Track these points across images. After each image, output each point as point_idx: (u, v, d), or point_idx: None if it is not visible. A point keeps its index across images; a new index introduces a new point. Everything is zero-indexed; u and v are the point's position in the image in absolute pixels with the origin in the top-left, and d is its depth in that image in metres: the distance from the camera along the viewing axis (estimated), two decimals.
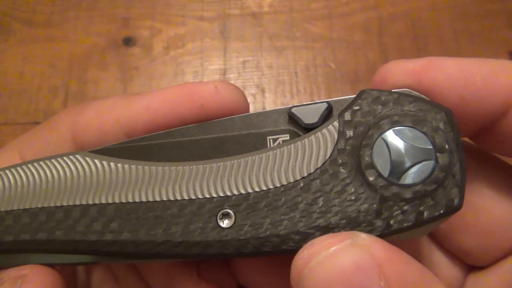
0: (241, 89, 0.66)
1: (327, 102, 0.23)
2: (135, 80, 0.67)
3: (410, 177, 0.20)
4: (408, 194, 0.20)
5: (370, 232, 0.20)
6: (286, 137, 0.23)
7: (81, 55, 0.70)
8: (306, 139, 0.22)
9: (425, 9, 0.72)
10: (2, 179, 0.24)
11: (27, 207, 0.23)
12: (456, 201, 0.20)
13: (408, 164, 0.20)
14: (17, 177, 0.24)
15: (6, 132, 0.65)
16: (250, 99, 0.66)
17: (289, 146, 0.22)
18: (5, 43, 0.71)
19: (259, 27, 0.71)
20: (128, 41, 0.71)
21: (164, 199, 0.22)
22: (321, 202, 0.21)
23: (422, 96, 0.22)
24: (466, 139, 0.27)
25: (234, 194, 0.22)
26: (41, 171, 0.24)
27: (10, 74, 0.69)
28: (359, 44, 0.70)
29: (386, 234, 0.20)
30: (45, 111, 0.66)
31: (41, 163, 0.24)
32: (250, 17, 0.72)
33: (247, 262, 0.29)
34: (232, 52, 0.69)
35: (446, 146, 0.20)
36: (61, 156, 0.24)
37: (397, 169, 0.20)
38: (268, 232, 0.21)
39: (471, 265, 0.30)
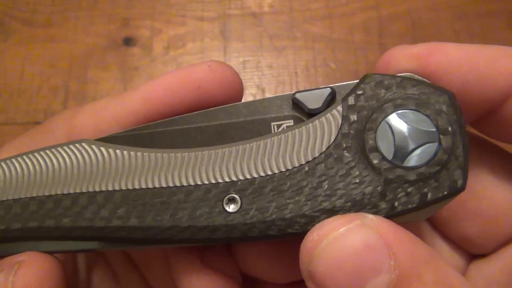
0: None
1: (330, 87, 0.23)
2: (135, 80, 0.68)
3: (413, 159, 0.21)
4: (412, 176, 0.20)
5: (374, 214, 0.21)
6: (290, 122, 0.24)
7: (81, 55, 0.70)
8: (310, 124, 0.22)
9: (425, 9, 0.72)
10: (9, 168, 0.24)
11: (34, 195, 0.24)
12: (459, 182, 0.20)
13: (411, 146, 0.21)
14: (24, 166, 0.24)
15: (6, 132, 0.65)
16: (250, 99, 0.67)
17: (293, 131, 0.22)
18: (5, 43, 0.71)
19: (259, 27, 0.72)
20: (128, 41, 0.71)
21: (171, 185, 0.23)
22: (326, 186, 0.21)
23: (425, 80, 0.23)
24: (468, 128, 0.28)
25: (240, 179, 0.22)
26: (47, 160, 0.24)
27: (10, 74, 0.69)
28: (359, 44, 0.70)
29: (390, 216, 0.21)
30: (45, 111, 0.66)
31: (47, 151, 0.24)
32: (250, 17, 0.72)
33: (249, 250, 0.30)
34: (232, 52, 0.69)
35: (449, 129, 0.21)
36: (67, 144, 0.24)
37: (401, 152, 0.21)
38: (274, 215, 0.21)
39: (473, 254, 0.31)
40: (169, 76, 0.27)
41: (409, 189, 0.20)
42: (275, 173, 0.22)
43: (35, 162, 0.24)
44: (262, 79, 0.68)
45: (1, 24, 0.72)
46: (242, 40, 0.71)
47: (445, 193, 0.20)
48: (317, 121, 0.22)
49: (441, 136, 0.21)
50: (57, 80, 0.69)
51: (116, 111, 0.28)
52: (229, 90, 0.26)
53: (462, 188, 0.21)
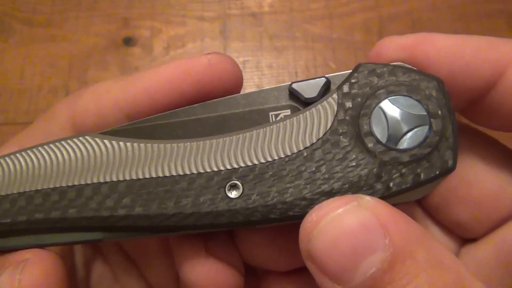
0: (242, 89, 0.67)
1: (325, 77, 0.25)
2: None
3: (406, 142, 0.22)
4: (405, 158, 0.22)
5: (371, 195, 0.22)
6: (288, 112, 0.25)
7: (81, 55, 0.71)
8: (307, 112, 0.23)
9: (425, 9, 0.74)
10: (13, 162, 0.25)
11: (39, 188, 0.25)
12: (450, 162, 0.22)
13: (404, 130, 0.22)
14: (28, 160, 0.25)
15: (6, 132, 0.66)
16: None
17: (291, 119, 0.23)
18: (5, 43, 0.72)
19: (259, 27, 0.73)
20: (128, 41, 0.72)
21: (174, 174, 0.24)
22: (324, 170, 0.22)
23: (414, 68, 0.24)
24: (457, 115, 0.29)
25: (241, 166, 0.23)
26: (51, 153, 0.25)
27: (10, 74, 0.70)
28: (359, 44, 0.71)
29: (386, 197, 0.22)
30: (45, 111, 0.67)
31: (51, 145, 0.25)
32: (250, 17, 0.73)
33: (251, 238, 0.31)
34: (232, 52, 0.70)
35: (439, 112, 0.22)
36: (71, 138, 0.25)
37: (394, 135, 0.22)
38: (275, 199, 0.23)
39: (464, 238, 0.32)
40: (172, 68, 0.28)
41: (403, 170, 0.22)
42: (274, 160, 0.23)
43: (39, 156, 0.25)
44: (262, 79, 0.69)
45: (1, 24, 0.73)
46: (242, 40, 0.72)
47: (437, 172, 0.22)
48: (313, 109, 0.23)
49: (431, 119, 0.22)
50: (57, 80, 0.70)
51: (118, 97, 0.29)
52: (229, 82, 0.27)
53: (452, 168, 0.22)
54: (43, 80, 0.70)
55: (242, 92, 0.28)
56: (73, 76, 0.70)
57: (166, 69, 0.28)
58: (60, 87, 0.69)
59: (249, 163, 0.23)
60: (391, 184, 0.22)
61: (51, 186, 0.25)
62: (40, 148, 0.25)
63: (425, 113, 0.22)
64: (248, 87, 0.68)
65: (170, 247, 0.35)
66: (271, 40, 0.72)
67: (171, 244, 0.29)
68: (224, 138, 0.24)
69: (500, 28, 0.73)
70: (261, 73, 0.69)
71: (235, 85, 0.28)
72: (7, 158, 0.25)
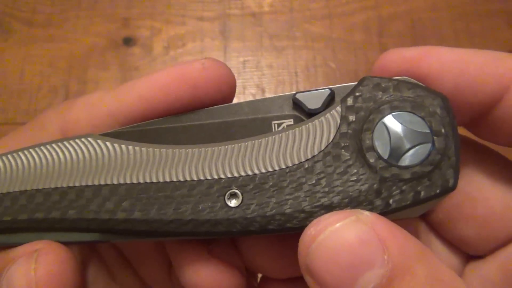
0: (242, 89, 0.67)
1: (329, 88, 0.25)
2: None
3: (408, 159, 0.22)
4: (406, 175, 0.22)
5: (370, 210, 0.22)
6: (290, 122, 0.25)
7: (81, 55, 0.72)
8: (310, 124, 0.23)
9: (425, 9, 0.74)
10: (16, 161, 0.25)
11: (40, 187, 0.25)
12: (451, 181, 0.22)
13: (406, 146, 0.22)
14: (30, 159, 0.25)
15: (6, 132, 0.65)
16: (250, 99, 0.68)
17: (293, 130, 0.23)
18: (5, 43, 0.72)
19: (259, 27, 0.73)
20: (128, 41, 0.72)
21: (174, 180, 0.24)
22: (324, 183, 0.22)
23: (420, 83, 0.24)
24: (463, 130, 0.29)
25: (241, 175, 0.23)
26: (53, 153, 0.25)
27: (10, 74, 0.71)
28: (359, 44, 0.71)
29: (385, 213, 0.22)
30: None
31: (53, 145, 0.25)
32: (250, 17, 0.73)
33: (252, 245, 0.31)
34: (232, 52, 0.70)
35: (442, 130, 0.22)
36: (73, 138, 0.25)
37: (396, 152, 0.22)
38: (274, 210, 0.23)
39: (469, 255, 0.32)
40: (165, 74, 0.28)
41: (403, 187, 0.22)
42: (275, 170, 0.23)
43: (41, 155, 0.25)
44: (262, 79, 0.69)
45: (1, 24, 0.73)
46: (242, 40, 0.72)
47: (437, 191, 0.22)
48: (316, 121, 0.23)
49: (434, 137, 0.22)
50: (57, 80, 0.70)
51: (111, 106, 0.28)
52: (223, 87, 0.27)
53: (453, 187, 0.22)
54: (43, 80, 0.70)
55: (242, 92, 0.28)
56: (73, 76, 0.70)
57: (160, 75, 0.28)
58: (60, 87, 0.70)
59: (250, 173, 0.23)
60: (390, 201, 0.22)
61: (52, 186, 0.25)
62: (42, 147, 0.26)
63: (428, 131, 0.22)
64: (248, 87, 0.68)
65: (165, 246, 0.35)
66: (271, 40, 0.72)
67: (170, 248, 0.29)
68: (226, 146, 0.24)
69: (500, 28, 0.73)
70: (261, 73, 0.69)
71: (229, 90, 0.28)
72: (9, 156, 0.26)
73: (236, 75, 0.66)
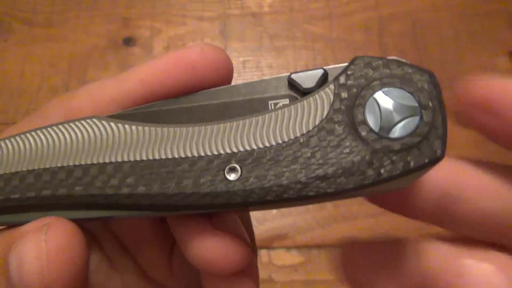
0: None
1: (323, 68, 0.26)
2: None
3: (398, 131, 0.23)
4: (396, 146, 0.23)
5: (362, 180, 0.24)
6: (286, 101, 0.27)
7: (81, 55, 0.73)
8: (304, 101, 0.25)
9: (425, 9, 0.75)
10: (23, 142, 0.27)
11: (47, 166, 0.26)
12: (438, 151, 0.23)
13: (396, 120, 0.24)
14: (38, 139, 0.27)
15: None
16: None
17: (289, 107, 0.25)
18: (5, 43, 0.74)
19: (259, 27, 0.75)
20: (128, 41, 0.74)
21: (176, 156, 0.25)
22: (319, 156, 0.24)
23: (408, 62, 0.26)
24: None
25: (240, 151, 0.25)
26: (60, 134, 0.26)
27: (10, 74, 0.72)
28: (359, 44, 0.73)
29: (377, 183, 0.24)
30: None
31: (60, 126, 0.27)
32: (250, 17, 0.75)
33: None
34: (232, 52, 0.72)
35: (430, 104, 0.24)
36: (79, 120, 0.27)
37: (387, 125, 0.24)
38: (271, 182, 0.24)
39: None
40: (165, 58, 0.29)
41: (393, 158, 0.23)
42: (272, 145, 0.25)
43: (48, 136, 0.26)
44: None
45: (1, 24, 0.75)
46: (242, 40, 0.74)
47: (426, 161, 0.23)
48: (311, 99, 0.25)
49: (422, 110, 0.24)
50: (57, 80, 0.71)
51: (114, 92, 0.30)
52: (220, 71, 0.29)
53: (441, 156, 0.23)
54: (43, 80, 0.72)
55: (232, 73, 0.30)
56: (73, 76, 0.72)
57: (161, 60, 0.29)
58: (60, 87, 0.71)
59: (248, 148, 0.25)
60: (382, 171, 0.23)
61: (59, 164, 0.26)
62: (49, 128, 0.27)
63: (417, 105, 0.24)
64: None
65: (168, 226, 0.37)
66: (271, 40, 0.74)
67: (174, 226, 0.31)
68: (225, 124, 0.25)
69: (500, 28, 0.75)
70: (261, 73, 0.71)
71: (227, 73, 0.29)
72: (17, 138, 0.27)
73: (236, 75, 0.68)
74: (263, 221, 0.65)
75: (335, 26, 0.74)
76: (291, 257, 0.64)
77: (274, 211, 0.65)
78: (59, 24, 0.75)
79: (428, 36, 0.74)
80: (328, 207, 0.66)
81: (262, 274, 0.63)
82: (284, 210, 0.66)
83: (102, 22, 0.75)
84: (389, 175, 0.24)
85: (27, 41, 0.74)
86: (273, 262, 0.64)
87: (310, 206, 0.66)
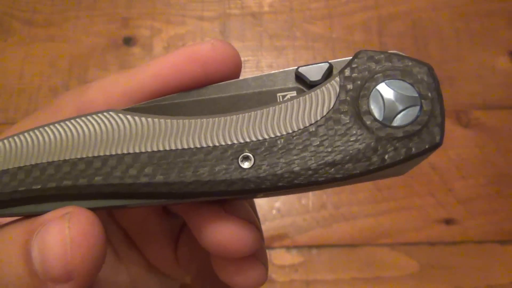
0: None
1: (328, 62, 0.29)
2: None
3: (400, 120, 0.26)
4: (399, 134, 0.26)
5: (367, 166, 0.27)
6: (294, 93, 0.29)
7: (81, 55, 0.75)
8: (312, 93, 0.28)
9: (425, 9, 0.78)
10: (42, 135, 0.28)
11: (67, 158, 0.28)
12: (437, 138, 0.26)
13: (398, 109, 0.27)
14: (56, 132, 0.28)
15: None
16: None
17: (297, 99, 0.28)
18: (5, 43, 0.76)
19: (259, 27, 0.77)
20: (128, 41, 0.76)
21: (192, 146, 0.28)
22: (327, 144, 0.27)
23: (408, 56, 0.29)
24: None
25: (252, 140, 0.27)
26: (78, 127, 0.28)
27: (10, 74, 0.74)
28: (359, 44, 0.76)
29: (381, 168, 0.27)
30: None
31: (77, 120, 0.28)
32: (250, 17, 0.78)
33: None
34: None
35: (429, 94, 0.27)
36: (96, 113, 0.29)
37: (390, 114, 0.27)
38: (283, 169, 0.27)
39: None
40: (177, 53, 0.31)
41: (396, 144, 0.26)
42: (283, 135, 0.27)
43: (67, 129, 0.28)
44: None
45: (1, 24, 0.77)
46: (242, 40, 0.76)
47: (426, 146, 0.26)
48: (318, 91, 0.28)
49: (422, 100, 0.27)
50: (57, 80, 0.73)
51: (127, 86, 0.32)
52: (230, 65, 0.31)
53: (439, 143, 0.26)
54: (43, 80, 0.74)
55: (241, 67, 0.32)
56: (73, 76, 0.74)
57: (173, 55, 0.31)
58: (60, 87, 0.73)
59: (260, 138, 0.27)
60: (386, 157, 0.26)
61: (78, 156, 0.28)
62: (67, 122, 0.29)
63: (417, 95, 0.27)
64: None
65: (170, 224, 0.39)
66: (271, 40, 0.76)
67: (188, 214, 0.33)
68: (237, 115, 0.28)
69: (500, 28, 0.77)
70: (261, 73, 0.72)
71: (236, 67, 0.31)
72: (36, 131, 0.29)
73: None
74: (263, 221, 0.67)
75: (335, 26, 0.77)
76: (291, 257, 0.66)
77: (274, 211, 0.67)
78: (59, 24, 0.77)
79: (428, 36, 0.77)
80: (328, 207, 0.68)
81: None
82: (284, 210, 0.68)
83: (102, 22, 0.77)
84: (393, 161, 0.27)
85: (27, 41, 0.76)
86: (273, 262, 0.66)
87: (310, 206, 0.68)
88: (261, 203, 0.68)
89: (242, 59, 0.61)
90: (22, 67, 0.75)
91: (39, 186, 0.28)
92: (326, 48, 0.75)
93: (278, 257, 0.67)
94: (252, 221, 0.32)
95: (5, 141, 0.29)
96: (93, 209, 0.28)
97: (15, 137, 0.29)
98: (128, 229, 0.41)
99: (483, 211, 0.68)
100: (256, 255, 0.33)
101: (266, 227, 0.67)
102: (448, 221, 0.68)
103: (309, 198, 0.68)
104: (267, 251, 0.65)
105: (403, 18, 0.78)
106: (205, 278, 0.39)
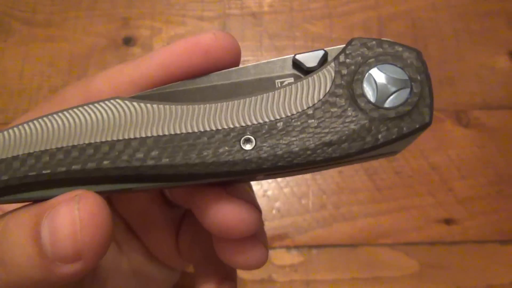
0: None
1: (323, 49, 0.31)
2: None
3: (392, 101, 0.28)
4: (391, 114, 0.28)
5: (362, 145, 0.29)
6: (291, 79, 0.31)
7: (81, 55, 0.76)
8: (309, 78, 0.30)
9: (425, 9, 0.80)
10: (51, 122, 0.30)
11: (75, 143, 0.30)
12: (427, 118, 0.28)
13: (390, 92, 0.29)
14: (65, 119, 0.30)
15: None
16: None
17: (295, 84, 0.30)
18: (5, 43, 0.77)
19: (259, 27, 0.79)
20: (128, 41, 0.77)
21: (196, 130, 0.29)
22: (324, 125, 0.29)
23: (397, 42, 0.31)
24: None
25: (253, 124, 0.29)
26: (86, 114, 0.30)
27: (10, 74, 0.75)
28: None
29: (375, 147, 0.29)
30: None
31: (85, 107, 0.30)
32: (250, 17, 0.79)
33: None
34: None
35: (418, 77, 0.29)
36: (103, 101, 0.30)
37: (382, 96, 0.29)
38: (283, 150, 0.29)
39: None
40: (180, 43, 0.33)
41: (389, 125, 0.28)
42: (282, 118, 0.29)
43: (75, 116, 0.30)
44: None
45: (1, 24, 0.78)
46: (242, 40, 0.78)
47: (417, 126, 0.28)
48: (314, 76, 0.30)
49: (412, 83, 0.29)
50: (57, 80, 0.75)
51: (133, 75, 0.33)
52: (231, 54, 0.33)
53: (429, 123, 0.28)
54: (43, 80, 0.75)
55: (240, 57, 0.34)
56: (73, 76, 0.75)
57: (177, 44, 0.33)
58: (60, 87, 0.74)
59: (261, 121, 0.29)
60: (379, 136, 0.28)
61: (86, 141, 0.30)
62: (75, 109, 0.30)
63: (407, 78, 0.29)
64: None
65: (171, 214, 0.41)
66: (271, 40, 0.78)
67: (191, 197, 0.34)
68: (238, 101, 0.30)
69: (500, 28, 0.79)
70: None
71: (236, 56, 0.33)
72: (45, 118, 0.30)
73: None
74: (263, 221, 0.68)
75: (335, 26, 0.79)
76: (291, 257, 0.68)
77: (274, 211, 0.69)
78: (59, 24, 0.79)
79: (428, 36, 0.78)
80: (328, 207, 0.70)
81: (262, 274, 0.66)
82: (284, 210, 0.69)
83: (102, 22, 0.79)
84: (386, 140, 0.28)
85: (27, 41, 0.77)
86: (273, 262, 0.67)
87: (310, 206, 0.69)
88: (261, 203, 0.69)
89: (242, 59, 0.64)
90: (22, 67, 0.76)
91: (48, 171, 0.30)
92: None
93: (278, 257, 0.67)
94: (253, 202, 0.34)
95: (15, 128, 0.30)
96: (100, 193, 0.30)
97: (25, 125, 0.30)
98: (129, 220, 0.42)
99: (483, 211, 0.69)
100: (257, 236, 0.35)
101: (266, 227, 0.67)
102: (448, 221, 0.69)
103: (309, 198, 0.69)
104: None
105: (403, 18, 0.79)
106: (206, 267, 0.41)
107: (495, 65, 0.76)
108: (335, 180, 0.70)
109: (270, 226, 0.69)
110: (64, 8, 0.80)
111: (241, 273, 0.66)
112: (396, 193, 0.69)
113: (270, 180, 0.70)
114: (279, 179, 0.70)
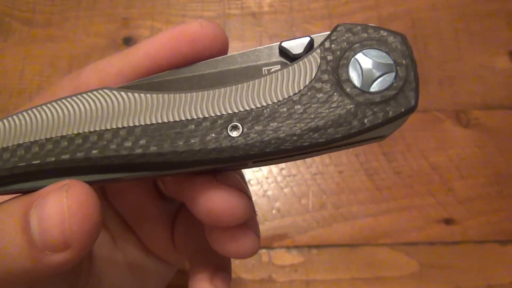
0: None
1: (309, 36, 0.32)
2: None
3: (377, 86, 0.29)
4: (377, 99, 0.29)
5: (348, 130, 0.29)
6: (278, 66, 0.32)
7: (81, 55, 0.77)
8: (295, 65, 0.30)
9: (425, 9, 0.80)
10: (40, 113, 0.31)
11: (64, 134, 0.30)
12: (412, 102, 0.29)
13: (375, 76, 0.29)
14: (53, 110, 0.30)
15: None
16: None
17: (281, 71, 0.30)
18: (5, 43, 0.78)
19: (259, 27, 0.79)
20: (128, 41, 0.78)
21: (183, 118, 0.30)
22: (310, 111, 0.29)
23: (382, 27, 0.31)
24: None
25: (240, 111, 0.30)
26: (74, 104, 0.31)
27: (10, 74, 0.76)
28: None
29: (362, 131, 0.29)
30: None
31: (73, 98, 0.31)
32: (250, 17, 0.80)
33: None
34: (232, 52, 0.74)
35: (403, 61, 0.29)
36: (91, 91, 0.31)
37: (367, 81, 0.29)
38: (270, 136, 0.29)
39: None
40: (166, 33, 0.34)
41: (375, 109, 0.29)
42: (268, 104, 0.30)
43: (63, 107, 0.31)
44: None
45: (1, 24, 0.79)
46: (242, 40, 0.78)
47: (402, 110, 0.29)
48: (300, 62, 0.30)
49: (397, 67, 0.29)
50: (57, 80, 0.74)
51: (121, 66, 0.34)
52: (218, 42, 0.33)
53: (415, 106, 0.29)
54: (43, 80, 0.76)
55: (227, 45, 0.35)
56: None
57: (163, 34, 0.34)
58: None
59: (247, 108, 0.30)
60: (365, 121, 0.29)
61: (75, 132, 0.30)
62: (63, 100, 0.31)
63: (392, 62, 0.29)
64: None
65: (165, 208, 0.41)
66: (271, 40, 0.78)
67: (180, 186, 0.35)
68: (225, 88, 0.30)
69: (500, 28, 0.80)
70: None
71: (223, 45, 0.34)
72: (34, 110, 0.31)
73: None
74: (263, 221, 0.69)
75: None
76: (291, 257, 0.68)
77: (274, 211, 0.69)
78: (58, 24, 0.80)
79: (428, 36, 0.79)
80: (328, 207, 0.70)
81: (262, 274, 0.67)
82: (284, 210, 0.70)
83: (102, 22, 0.80)
84: (372, 124, 0.29)
85: (27, 41, 0.78)
86: (273, 262, 0.68)
87: (310, 206, 0.70)
88: (261, 203, 0.70)
89: None
90: (22, 67, 0.77)
91: (38, 161, 0.30)
92: None
93: (278, 257, 0.68)
94: (243, 190, 0.34)
95: (4, 120, 0.31)
96: (90, 183, 0.30)
97: (14, 116, 0.31)
98: (124, 214, 0.43)
99: (483, 211, 0.70)
100: (248, 224, 0.35)
101: (266, 227, 0.69)
102: (448, 221, 0.69)
103: (309, 198, 0.70)
104: (267, 251, 0.66)
105: (403, 18, 0.80)
106: (200, 259, 0.41)
107: (495, 65, 0.77)
108: (335, 180, 0.71)
109: (270, 226, 0.69)
110: (64, 8, 0.81)
111: (241, 273, 0.67)
112: (396, 193, 0.70)
113: (270, 180, 0.70)
114: (279, 179, 0.70)
